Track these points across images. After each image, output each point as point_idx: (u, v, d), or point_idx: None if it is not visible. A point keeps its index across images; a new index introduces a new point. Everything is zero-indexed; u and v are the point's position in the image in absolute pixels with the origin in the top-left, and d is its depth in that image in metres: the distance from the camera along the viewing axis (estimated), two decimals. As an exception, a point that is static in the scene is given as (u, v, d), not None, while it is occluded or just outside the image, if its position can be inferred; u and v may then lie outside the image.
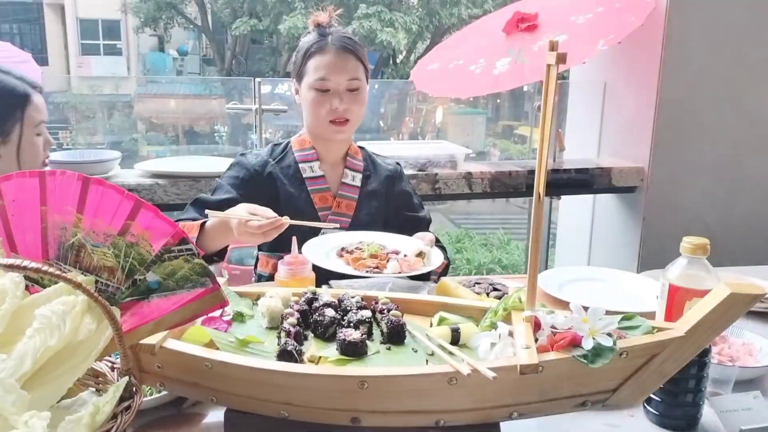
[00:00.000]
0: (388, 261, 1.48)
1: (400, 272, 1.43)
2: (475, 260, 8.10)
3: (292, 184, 1.74)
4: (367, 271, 1.45)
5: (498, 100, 12.16)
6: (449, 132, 11.41)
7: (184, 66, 19.83)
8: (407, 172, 1.94)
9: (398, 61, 15.79)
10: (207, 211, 1.48)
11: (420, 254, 1.51)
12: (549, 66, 0.85)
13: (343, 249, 1.57)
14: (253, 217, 1.41)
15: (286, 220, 1.42)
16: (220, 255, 1.64)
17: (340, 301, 1.08)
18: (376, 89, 8.31)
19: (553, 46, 0.84)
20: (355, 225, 1.74)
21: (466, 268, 7.86)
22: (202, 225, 1.55)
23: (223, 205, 1.62)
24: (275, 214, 1.42)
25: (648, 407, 1.06)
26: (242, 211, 1.46)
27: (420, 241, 1.59)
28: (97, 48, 20.19)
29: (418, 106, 11.12)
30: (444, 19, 13.76)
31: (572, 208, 3.12)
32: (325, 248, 1.56)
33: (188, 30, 17.94)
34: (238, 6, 15.26)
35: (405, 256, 1.51)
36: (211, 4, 16.51)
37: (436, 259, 1.53)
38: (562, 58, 0.83)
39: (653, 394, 1.03)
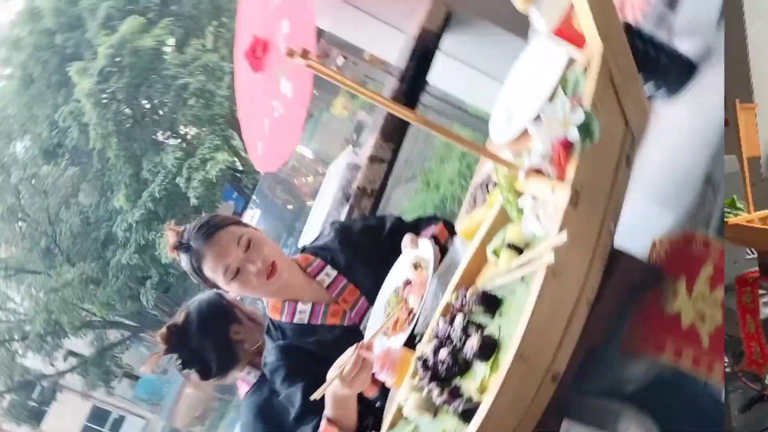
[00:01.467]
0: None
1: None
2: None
3: (308, 337, 1.71)
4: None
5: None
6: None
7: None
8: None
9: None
10: (312, 398, 1.42)
11: (417, 265, 1.47)
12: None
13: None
14: (339, 369, 1.38)
15: (350, 351, 1.39)
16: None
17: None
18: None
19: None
20: (366, 287, 1.72)
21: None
22: (329, 421, 1.49)
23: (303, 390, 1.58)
24: (351, 351, 1.39)
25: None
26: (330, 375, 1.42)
27: (408, 251, 1.55)
28: None
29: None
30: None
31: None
32: (378, 323, 1.52)
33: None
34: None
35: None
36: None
37: (426, 252, 1.49)
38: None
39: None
